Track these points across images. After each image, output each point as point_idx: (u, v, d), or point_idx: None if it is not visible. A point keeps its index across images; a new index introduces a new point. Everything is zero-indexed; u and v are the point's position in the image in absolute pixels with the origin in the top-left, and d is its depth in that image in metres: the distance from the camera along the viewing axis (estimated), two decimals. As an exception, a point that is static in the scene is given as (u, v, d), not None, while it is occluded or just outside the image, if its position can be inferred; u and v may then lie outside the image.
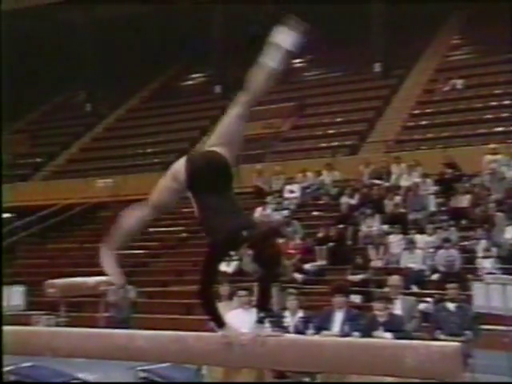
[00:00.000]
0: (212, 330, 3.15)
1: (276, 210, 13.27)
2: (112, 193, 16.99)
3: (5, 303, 8.76)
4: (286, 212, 13.12)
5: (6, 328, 3.37)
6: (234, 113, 3.29)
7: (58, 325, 9.87)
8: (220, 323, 2.94)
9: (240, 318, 6.61)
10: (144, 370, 6.57)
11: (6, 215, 18.60)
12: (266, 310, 3.01)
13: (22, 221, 16.28)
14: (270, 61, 3.29)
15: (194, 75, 23.21)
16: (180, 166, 3.06)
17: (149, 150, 19.25)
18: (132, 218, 3.28)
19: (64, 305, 10.32)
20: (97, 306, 10.54)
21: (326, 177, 14.15)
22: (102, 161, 19.23)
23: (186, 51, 22.42)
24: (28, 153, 21.54)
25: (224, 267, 11.72)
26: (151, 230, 15.28)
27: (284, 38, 3.28)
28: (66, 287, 9.89)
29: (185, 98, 21.25)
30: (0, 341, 3.27)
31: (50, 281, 9.94)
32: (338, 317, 6.53)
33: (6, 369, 6.70)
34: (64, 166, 20.31)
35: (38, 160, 20.82)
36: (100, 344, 3.15)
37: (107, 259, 3.13)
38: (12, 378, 6.50)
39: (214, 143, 3.15)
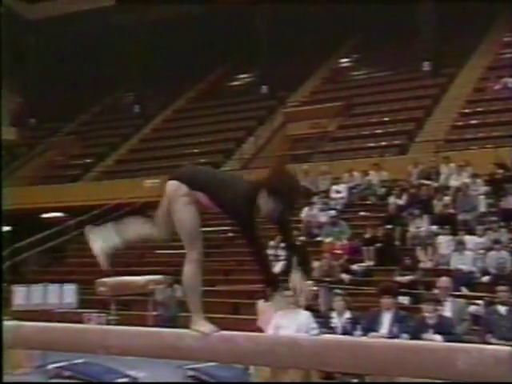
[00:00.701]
0: (260, 330, 3.15)
1: (322, 210, 13.21)
2: (159, 193, 17.08)
3: (57, 301, 8.98)
4: (332, 212, 13.05)
5: (59, 325, 3.46)
6: None
7: (108, 323, 10.06)
8: (275, 287, 3.10)
9: (286, 318, 6.63)
10: (192, 369, 6.64)
11: (58, 214, 19.09)
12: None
13: (73, 220, 16.62)
14: None
15: (240, 76, 23.30)
16: (174, 182, 3.16)
17: (195, 151, 19.40)
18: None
19: (114, 303, 10.50)
20: (145, 304, 10.69)
21: (374, 177, 14.00)
22: (149, 161, 19.48)
23: (233, 52, 22.55)
24: (79, 154, 22.00)
25: (270, 267, 11.74)
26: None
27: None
28: (116, 286, 10.06)
29: (231, 99, 21.34)
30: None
31: (101, 279, 10.13)
32: (386, 318, 6.47)
33: (60, 364, 6.91)
34: (113, 167, 20.67)
35: (88, 161, 21.24)
36: (150, 343, 3.19)
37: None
38: (66, 373, 6.67)
39: None
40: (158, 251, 14.67)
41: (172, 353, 3.15)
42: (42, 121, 24.52)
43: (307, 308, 7.98)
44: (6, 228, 20.92)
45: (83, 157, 21.71)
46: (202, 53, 21.97)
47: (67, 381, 6.94)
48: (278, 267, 11.72)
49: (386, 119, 17.49)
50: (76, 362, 6.79)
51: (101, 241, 3.27)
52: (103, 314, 10.92)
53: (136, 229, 3.34)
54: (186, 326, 3.28)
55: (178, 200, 3.07)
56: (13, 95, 25.95)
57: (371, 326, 6.48)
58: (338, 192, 13.95)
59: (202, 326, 3.06)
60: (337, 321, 6.88)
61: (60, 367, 6.89)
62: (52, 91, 24.00)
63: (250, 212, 2.95)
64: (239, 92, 21.92)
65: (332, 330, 6.62)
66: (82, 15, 21.92)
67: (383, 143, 16.39)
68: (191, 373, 6.69)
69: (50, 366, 7.19)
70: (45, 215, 19.29)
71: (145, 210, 17.15)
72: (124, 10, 21.53)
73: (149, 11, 21.32)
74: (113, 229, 3.26)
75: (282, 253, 11.93)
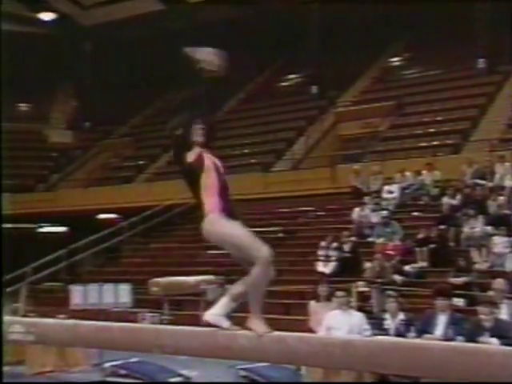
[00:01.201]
0: (311, 331, 3.15)
1: (374, 210, 13.08)
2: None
3: (113, 300, 9.15)
4: (384, 212, 12.90)
5: (115, 324, 3.53)
6: None
7: (161, 322, 10.19)
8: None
9: (338, 319, 6.59)
10: (244, 369, 6.67)
11: (112, 216, 19.46)
12: None
13: (126, 221, 16.92)
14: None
15: (290, 76, 23.26)
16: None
17: (246, 151, 19.49)
18: None
19: (167, 303, 10.63)
20: (197, 304, 10.78)
21: (427, 177, 13.78)
22: (200, 162, 19.63)
23: (283, 52, 22.55)
24: (132, 156, 22.38)
25: (321, 268, 11.70)
26: (249, 229, 15.49)
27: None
28: (168, 286, 10.19)
29: (281, 99, 21.32)
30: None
31: (154, 279, 10.27)
32: (441, 320, 6.35)
33: (115, 363, 7.06)
34: (165, 168, 20.92)
35: (141, 162, 21.58)
36: (204, 342, 3.23)
37: None
38: (121, 371, 6.79)
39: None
40: (210, 251, 14.80)
41: (225, 353, 3.18)
42: (96, 124, 25.04)
43: (359, 309, 7.94)
44: (62, 229, 21.49)
45: (136, 158, 22.07)
46: (251, 54, 22.04)
47: (122, 380, 7.07)
48: (329, 267, 11.68)
49: (438, 118, 17.18)
50: (131, 360, 6.91)
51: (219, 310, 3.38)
52: (157, 314, 11.08)
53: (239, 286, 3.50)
54: (238, 327, 3.30)
55: (213, 224, 3.35)
56: (68, 99, 26.63)
57: (425, 328, 6.37)
58: (390, 192, 13.79)
59: (258, 326, 3.12)
60: (390, 322, 6.80)
61: (116, 366, 7.02)
62: (105, 95, 24.50)
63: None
64: (289, 92, 21.89)
65: (385, 332, 6.54)
66: (134, 20, 22.30)
67: (436, 142, 16.11)
68: (243, 373, 6.72)
69: (107, 365, 7.34)
70: (99, 216, 19.70)
71: (195, 210, 17.39)
72: (174, 13, 21.82)
73: (198, 14, 21.52)
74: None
75: (333, 253, 11.87)
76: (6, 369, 8.53)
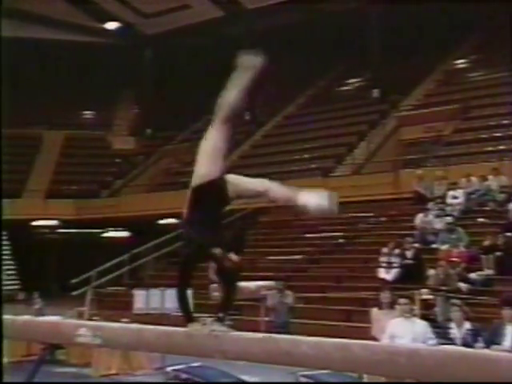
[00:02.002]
0: (374, 339, 3.12)
1: (438, 216, 12.82)
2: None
3: (174, 305, 9.27)
4: (449, 219, 12.63)
5: (178, 329, 3.58)
6: (214, 133, 3.62)
7: (221, 327, 10.26)
8: (188, 318, 3.38)
9: (401, 327, 6.49)
10: (305, 376, 6.65)
11: (173, 220, 19.73)
12: (225, 311, 3.46)
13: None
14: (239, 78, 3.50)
15: (351, 80, 23.10)
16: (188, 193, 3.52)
17: (306, 156, 19.45)
18: None
19: (227, 308, 10.68)
20: (258, 310, 10.81)
21: (493, 182, 13.42)
22: (260, 167, 19.71)
23: (344, 56, 22.43)
24: (193, 161, 22.61)
25: (383, 274, 11.55)
26: (309, 235, 15.46)
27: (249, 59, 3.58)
28: (228, 290, 10.24)
29: (342, 103, 21.21)
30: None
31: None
32: (509, 331, 6.17)
33: (177, 367, 7.15)
34: (225, 173, 21.11)
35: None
36: (266, 348, 3.23)
37: None
38: (183, 376, 6.88)
39: (208, 163, 3.53)
40: (269, 257, 14.84)
41: (287, 359, 3.17)
42: (158, 130, 25.51)
43: (423, 317, 7.79)
44: (125, 234, 21.97)
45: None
46: (311, 58, 22.02)
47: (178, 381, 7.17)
48: (391, 274, 11.51)
49: (505, 122, 16.70)
50: (193, 365, 6.99)
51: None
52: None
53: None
54: (299, 333, 3.29)
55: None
56: (130, 107, 27.24)
57: (493, 339, 6.20)
58: (454, 198, 13.49)
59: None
60: (455, 332, 6.64)
61: (177, 370, 7.12)
62: (167, 102, 24.94)
63: (186, 264, 3.42)
64: (350, 96, 21.73)
65: (451, 342, 6.39)
66: (195, 27, 22.64)
67: (502, 147, 15.65)
68: (304, 379, 6.69)
69: (169, 369, 7.45)
70: (161, 221, 20.03)
71: (255, 215, 17.50)
72: (234, 20, 22.03)
73: (259, 20, 21.65)
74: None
75: (395, 260, 11.71)
76: (73, 370, 8.83)
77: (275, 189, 3.43)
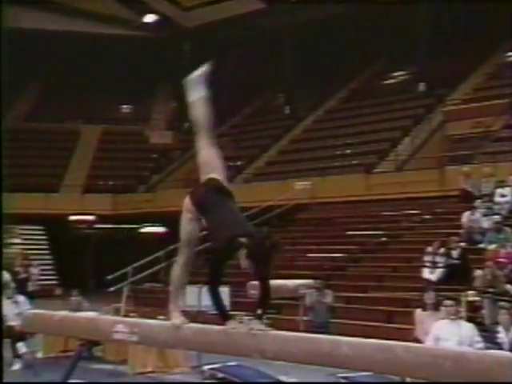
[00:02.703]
0: (417, 341, 3.09)
1: (486, 215, 12.59)
2: (310, 195, 17.34)
3: (211, 303, 9.32)
4: (496, 217, 12.39)
5: (216, 327, 3.60)
6: (202, 144, 4.02)
7: (259, 326, 10.27)
8: (225, 317, 3.46)
9: (447, 329, 6.41)
10: (345, 377, 6.61)
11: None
12: (263, 307, 3.55)
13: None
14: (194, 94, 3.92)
15: (395, 73, 22.84)
16: (187, 200, 3.73)
17: (347, 152, 19.33)
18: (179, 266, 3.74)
19: (265, 306, 10.69)
20: (296, 308, 10.80)
21: (544, 179, 13.12)
22: (300, 163, 19.70)
23: (387, 49, 22.19)
24: (231, 156, 22.74)
25: (427, 274, 11.40)
26: (350, 233, 15.37)
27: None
28: (266, 289, 10.23)
29: (386, 97, 20.99)
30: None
31: (252, 282, 10.35)
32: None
33: (214, 366, 7.20)
34: (263, 169, 21.14)
35: (240, 163, 21.90)
36: (305, 348, 3.23)
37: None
38: (219, 375, 6.92)
39: (207, 172, 3.92)
40: (309, 255, 14.80)
41: (328, 360, 3.16)
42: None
43: (469, 320, 7.66)
44: (161, 229, 22.17)
45: (234, 159, 22.42)
46: (354, 51, 21.85)
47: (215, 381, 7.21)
48: (435, 274, 11.36)
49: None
50: (229, 364, 7.03)
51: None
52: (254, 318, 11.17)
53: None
54: (338, 333, 3.28)
55: (185, 214, 3.70)
56: (168, 101, 27.45)
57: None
58: (503, 196, 13.22)
59: (175, 318, 3.60)
60: (503, 336, 6.52)
61: (214, 369, 7.17)
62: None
63: (217, 261, 3.52)
64: (394, 90, 21.49)
65: (498, 346, 6.28)
66: (235, 20, 22.69)
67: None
68: (344, 381, 6.66)
69: (205, 367, 7.50)
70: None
71: (294, 212, 17.47)
72: (275, 12, 22.00)
73: (300, 12, 21.58)
74: None
75: (440, 259, 11.55)
76: (109, 367, 8.95)
77: None
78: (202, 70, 4.04)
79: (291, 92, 23.95)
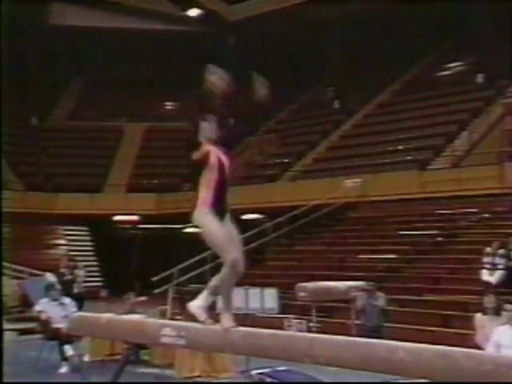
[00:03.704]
0: (477, 347, 3.04)
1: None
2: (361, 193, 17.21)
3: (259, 305, 9.36)
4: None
5: (265, 331, 3.61)
6: None
7: (309, 330, 10.27)
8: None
9: (508, 336, 6.27)
10: (396, 384, 6.53)
11: (255, 216, 19.91)
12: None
13: (271, 222, 17.22)
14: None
15: (451, 64, 22.47)
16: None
17: (400, 147, 19.11)
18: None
19: (315, 309, 10.68)
20: (348, 312, 10.74)
21: None
22: (350, 159, 19.57)
23: (443, 39, 21.86)
24: (277, 153, 22.76)
25: (486, 276, 11.20)
26: (403, 232, 15.20)
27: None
28: (316, 291, 10.21)
29: (441, 90, 20.66)
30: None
31: (301, 284, 10.35)
32: None
33: (262, 370, 7.21)
34: (311, 166, 21.08)
35: (286, 160, 21.88)
36: (358, 354, 3.21)
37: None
38: (268, 380, 6.93)
39: None
40: (360, 255, 14.70)
41: (383, 366, 3.14)
42: (240, 120, 25.73)
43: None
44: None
45: (281, 156, 22.42)
46: (407, 42, 21.59)
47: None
48: (495, 277, 11.15)
49: None
50: (279, 368, 7.03)
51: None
52: (304, 321, 11.16)
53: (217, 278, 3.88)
54: (392, 338, 3.25)
55: (200, 218, 3.82)
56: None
57: None
58: None
59: (224, 321, 3.67)
60: None
61: (262, 373, 7.18)
62: (250, 90, 25.10)
63: None
64: (450, 82, 21.13)
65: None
66: (282, 12, 22.68)
67: None
68: (398, 388, 6.58)
69: (253, 372, 7.52)
70: (243, 217, 20.22)
71: (344, 211, 17.37)
72: (322, 4, 21.90)
73: (349, 2, 21.44)
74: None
75: (500, 261, 11.33)
76: (155, 371, 9.07)
77: None
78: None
79: (341, 85, 23.84)
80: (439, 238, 14.36)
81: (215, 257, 13.81)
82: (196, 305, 3.84)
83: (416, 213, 15.90)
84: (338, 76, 23.78)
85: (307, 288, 10.23)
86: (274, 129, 24.43)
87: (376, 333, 9.63)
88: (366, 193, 17.17)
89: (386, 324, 10.25)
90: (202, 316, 3.77)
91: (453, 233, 14.34)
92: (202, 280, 15.49)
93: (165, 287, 13.05)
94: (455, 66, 22.30)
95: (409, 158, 18.24)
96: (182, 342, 3.82)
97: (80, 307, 11.48)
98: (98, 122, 25.85)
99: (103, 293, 19.43)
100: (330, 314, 11.91)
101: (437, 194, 15.79)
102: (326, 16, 22.64)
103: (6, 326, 13.05)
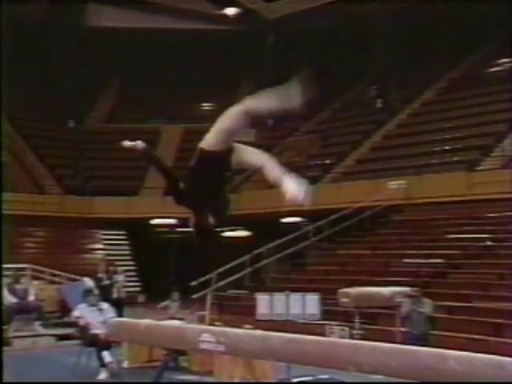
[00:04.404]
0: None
1: None
2: (405, 195, 17.04)
3: (300, 311, 9.34)
4: None
5: (307, 337, 3.58)
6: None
7: (351, 337, 10.20)
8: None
9: None
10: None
11: (296, 219, 19.86)
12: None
13: (312, 225, 17.16)
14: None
15: (502, 60, 22.08)
16: None
17: (447, 147, 18.88)
18: None
19: (358, 316, 10.60)
20: (392, 318, 10.63)
21: None
22: (394, 160, 19.40)
23: (493, 33, 21.52)
24: (318, 154, 22.68)
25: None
26: (451, 236, 15.00)
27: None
28: (359, 297, 10.14)
29: (490, 87, 20.33)
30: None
31: (344, 289, 10.29)
32: None
33: (303, 379, 7.19)
34: (353, 167, 20.96)
35: (328, 161, 21.79)
36: (405, 362, 3.16)
37: None
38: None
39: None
40: (404, 260, 14.55)
41: (431, 375, 3.09)
42: (280, 121, 25.70)
43: None
44: (245, 233, 22.39)
45: (322, 157, 22.33)
46: (454, 37, 21.32)
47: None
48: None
49: None
50: (321, 377, 7.00)
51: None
52: (346, 327, 11.09)
53: None
54: (440, 346, 3.19)
55: None
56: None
57: None
58: None
59: None
60: None
61: (304, 382, 7.16)
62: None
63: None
64: (500, 79, 20.77)
65: None
66: (322, 8, 22.62)
67: None
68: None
69: (294, 380, 7.50)
70: (284, 220, 20.20)
71: (388, 214, 17.21)
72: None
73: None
74: None
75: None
76: (194, 378, 9.11)
77: (269, 167, 3.76)
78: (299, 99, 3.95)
79: (384, 83, 23.65)
80: (488, 242, 14.13)
81: (254, 261, 13.93)
82: None
83: (464, 216, 15.68)
84: (380, 74, 23.60)
85: (350, 294, 10.16)
86: (314, 129, 24.35)
87: (422, 341, 9.51)
88: (410, 195, 17.00)
89: (433, 332, 10.12)
90: None
91: (503, 237, 14.09)
92: (241, 285, 15.57)
93: (203, 292, 13.10)
94: (505, 62, 21.91)
95: (456, 158, 18.00)
96: (222, 348, 3.81)
97: (120, 313, 11.60)
98: (135, 124, 26.12)
99: (141, 298, 19.59)
100: (374, 321, 11.81)
101: (486, 196, 15.54)
102: (367, 11, 22.51)
103: (44, 331, 13.34)
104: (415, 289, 10.45)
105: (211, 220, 3.82)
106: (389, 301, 10.39)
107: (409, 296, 10.29)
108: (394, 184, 17.30)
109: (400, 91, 23.02)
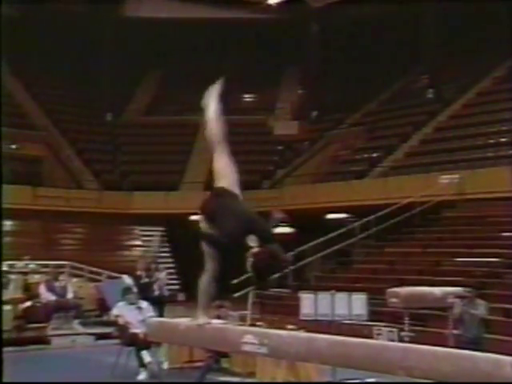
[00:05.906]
0: None
1: None
2: (458, 190, 16.81)
3: (346, 312, 9.29)
4: None
5: (354, 340, 3.55)
6: (216, 155, 4.47)
7: (400, 339, 10.10)
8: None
9: None
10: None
11: (342, 215, 19.77)
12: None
13: (358, 222, 17.06)
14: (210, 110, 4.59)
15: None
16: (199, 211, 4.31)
17: (503, 140, 18.56)
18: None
19: (407, 317, 10.50)
20: (443, 320, 10.50)
21: None
22: (446, 153, 19.17)
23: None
24: (365, 147, 22.54)
25: None
26: (506, 234, 14.73)
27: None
28: (409, 297, 10.01)
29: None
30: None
31: (393, 289, 10.18)
32: None
33: (350, 382, 7.17)
34: (403, 161, 20.76)
35: (375, 155, 21.63)
36: (459, 367, 3.12)
37: None
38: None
39: (217, 180, 4.38)
40: (457, 259, 14.37)
41: (486, 381, 3.04)
42: (325, 112, 25.61)
43: None
44: (288, 229, 22.36)
45: (369, 150, 22.18)
46: (510, 23, 20.90)
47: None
48: None
49: None
50: (367, 380, 6.96)
51: None
52: (395, 329, 11.00)
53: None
54: (495, 351, 3.13)
55: (201, 225, 4.34)
56: (294, 87, 27.62)
57: None
58: None
59: (200, 319, 3.97)
60: None
61: (348, 384, 7.14)
62: (334, 80, 24.97)
63: (226, 252, 4.16)
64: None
65: None
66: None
67: None
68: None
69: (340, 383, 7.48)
70: (328, 216, 20.13)
71: (439, 210, 17.00)
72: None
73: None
74: None
75: None
76: (236, 380, 9.15)
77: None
78: (216, 86, 4.65)
79: (436, 73, 23.34)
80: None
81: (297, 259, 13.83)
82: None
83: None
84: (432, 62, 23.30)
85: (399, 294, 10.04)
86: (360, 121, 24.19)
87: (475, 344, 9.37)
88: (463, 190, 16.76)
89: (487, 335, 9.97)
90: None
91: None
92: (283, 284, 15.55)
93: (244, 291, 13.12)
94: None
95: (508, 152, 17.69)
96: (264, 350, 3.81)
97: (161, 312, 11.68)
98: (174, 117, 26.28)
99: (180, 296, 19.73)
100: (424, 323, 11.68)
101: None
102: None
103: (83, 329, 13.55)
104: (468, 289, 10.30)
105: (276, 250, 3.80)
106: (440, 301, 10.24)
107: (461, 297, 10.14)
108: (445, 178, 17.08)
109: (453, 81, 22.70)
